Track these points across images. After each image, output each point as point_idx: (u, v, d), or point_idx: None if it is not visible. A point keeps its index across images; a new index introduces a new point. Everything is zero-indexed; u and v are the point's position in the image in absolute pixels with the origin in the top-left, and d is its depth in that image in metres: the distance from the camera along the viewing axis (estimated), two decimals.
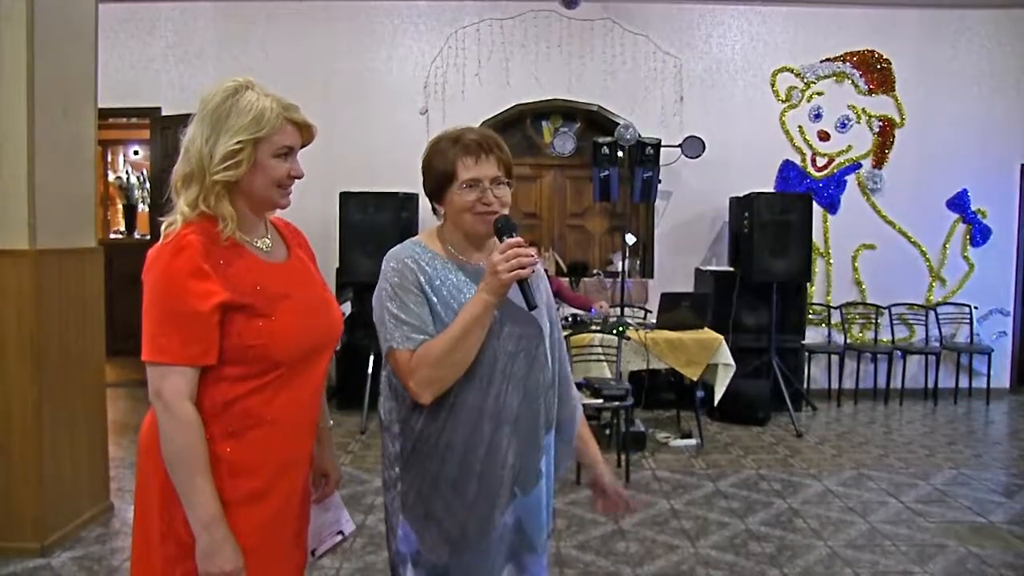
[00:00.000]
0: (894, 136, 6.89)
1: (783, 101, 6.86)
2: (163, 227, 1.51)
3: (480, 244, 1.75)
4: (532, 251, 1.60)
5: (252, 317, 1.48)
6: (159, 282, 1.45)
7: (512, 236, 1.64)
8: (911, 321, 6.99)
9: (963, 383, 6.92)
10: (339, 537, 1.80)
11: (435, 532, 1.68)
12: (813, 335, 6.80)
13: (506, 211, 1.69)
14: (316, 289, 1.66)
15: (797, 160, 6.90)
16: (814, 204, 6.40)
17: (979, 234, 6.94)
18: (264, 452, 1.53)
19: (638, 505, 1.94)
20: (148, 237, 7.63)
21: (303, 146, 1.60)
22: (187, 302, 1.43)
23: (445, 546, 1.67)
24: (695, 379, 5.25)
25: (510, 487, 1.69)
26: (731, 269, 6.44)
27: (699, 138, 6.53)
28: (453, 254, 1.73)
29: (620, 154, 6.28)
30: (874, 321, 6.94)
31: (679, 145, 6.53)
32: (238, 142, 1.48)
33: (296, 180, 1.57)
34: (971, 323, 6.93)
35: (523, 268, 1.57)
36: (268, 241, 1.61)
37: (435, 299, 1.67)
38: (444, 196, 1.70)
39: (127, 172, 9.20)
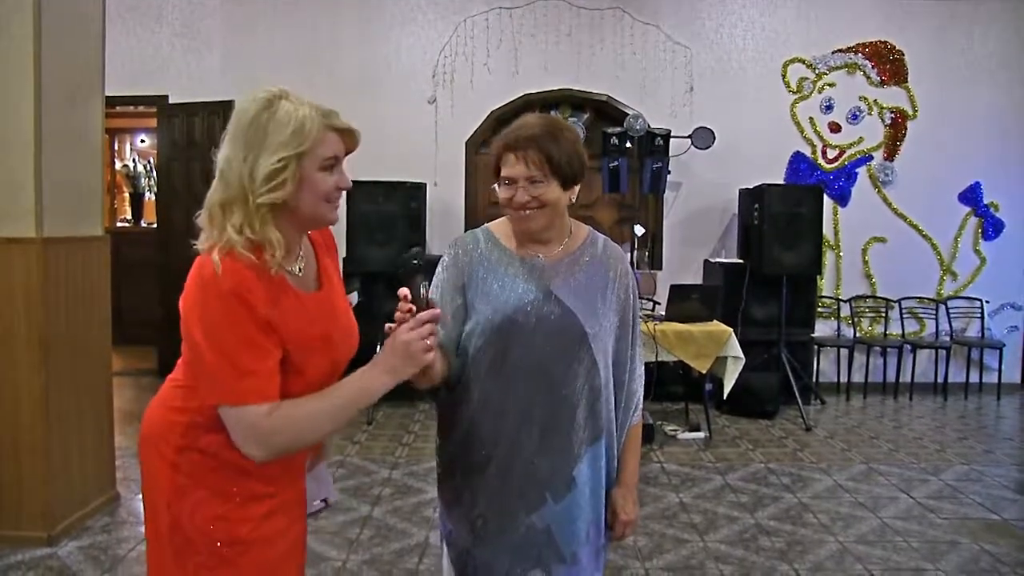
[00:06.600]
0: (906, 128, 6.81)
1: (794, 92, 6.79)
2: (203, 247, 1.38)
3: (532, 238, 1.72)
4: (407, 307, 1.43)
5: (287, 373, 1.41)
6: (217, 327, 1.35)
7: (413, 283, 1.44)
8: (921, 315, 6.93)
9: (973, 378, 6.86)
10: (323, 504, 1.81)
11: (459, 515, 1.70)
12: (822, 328, 6.75)
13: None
14: (341, 318, 1.57)
15: (808, 152, 6.84)
16: (824, 196, 6.33)
17: (991, 227, 6.87)
18: (275, 460, 1.49)
19: (619, 538, 1.87)
20: (155, 226, 7.61)
21: (347, 153, 1.46)
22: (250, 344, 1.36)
23: (468, 532, 1.68)
24: (704, 372, 5.22)
25: (540, 491, 1.65)
26: (740, 261, 6.39)
27: (709, 129, 6.47)
28: (518, 242, 1.73)
29: (629, 145, 6.21)
30: (884, 315, 6.89)
31: (689, 136, 6.47)
32: (280, 159, 1.35)
33: (344, 192, 1.46)
34: (982, 317, 6.87)
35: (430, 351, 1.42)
36: (302, 263, 1.50)
37: (470, 293, 1.67)
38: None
39: (134, 160, 9.20)
